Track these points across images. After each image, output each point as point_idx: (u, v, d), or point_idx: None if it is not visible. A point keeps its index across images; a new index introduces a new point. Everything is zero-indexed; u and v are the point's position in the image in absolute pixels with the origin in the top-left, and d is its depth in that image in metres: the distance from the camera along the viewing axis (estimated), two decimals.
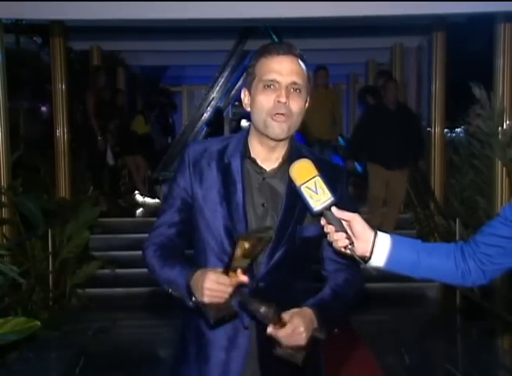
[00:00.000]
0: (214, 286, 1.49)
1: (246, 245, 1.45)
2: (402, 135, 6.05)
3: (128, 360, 4.39)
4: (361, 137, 6.32)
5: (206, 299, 1.50)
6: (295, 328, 1.51)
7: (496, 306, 4.78)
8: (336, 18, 5.12)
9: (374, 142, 6.12)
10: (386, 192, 6.24)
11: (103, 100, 7.31)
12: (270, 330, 1.50)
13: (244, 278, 1.50)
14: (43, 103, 8.05)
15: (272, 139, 1.66)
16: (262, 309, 1.48)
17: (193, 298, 1.55)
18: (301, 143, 1.81)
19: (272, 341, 1.53)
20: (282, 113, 1.61)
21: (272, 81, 1.62)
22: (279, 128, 1.62)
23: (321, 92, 7.06)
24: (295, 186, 1.51)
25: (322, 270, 1.77)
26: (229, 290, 1.50)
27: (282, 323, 1.50)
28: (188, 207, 1.72)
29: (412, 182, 6.76)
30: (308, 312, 1.57)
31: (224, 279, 1.49)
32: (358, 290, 1.75)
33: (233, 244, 1.48)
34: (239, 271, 1.49)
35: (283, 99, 1.60)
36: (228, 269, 1.49)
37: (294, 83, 1.62)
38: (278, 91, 1.61)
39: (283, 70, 1.62)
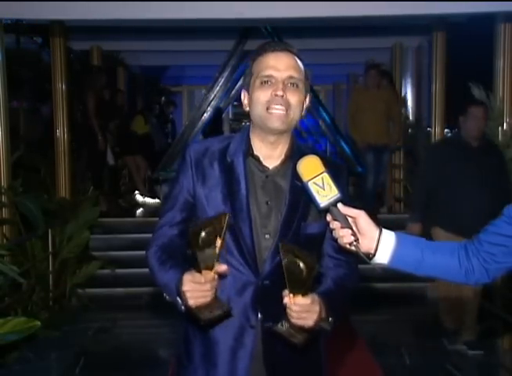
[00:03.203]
0: (191, 287, 1.48)
1: (202, 234, 1.44)
2: (486, 185, 4.02)
3: (128, 360, 4.38)
4: (427, 189, 4.23)
5: (191, 302, 1.49)
6: (313, 302, 1.49)
7: (496, 306, 4.77)
8: (335, 18, 5.12)
9: (444, 196, 4.14)
10: None
11: (103, 100, 7.31)
12: (287, 299, 1.46)
13: (222, 268, 1.48)
14: (43, 103, 8.04)
15: (271, 131, 1.65)
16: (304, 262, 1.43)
17: (184, 303, 1.53)
18: (305, 143, 1.80)
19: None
20: (279, 104, 1.60)
21: (268, 76, 1.62)
22: (278, 117, 1.61)
23: (372, 93, 6.69)
24: (302, 181, 1.51)
25: (320, 267, 1.76)
26: (207, 287, 1.47)
27: (304, 292, 1.46)
28: (190, 206, 1.72)
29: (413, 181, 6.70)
30: (319, 299, 1.54)
31: (198, 277, 1.47)
32: (354, 286, 1.76)
33: (189, 240, 1.45)
34: (216, 263, 1.46)
35: (280, 92, 1.60)
36: (199, 267, 1.47)
37: (291, 77, 1.62)
38: (275, 85, 1.62)
39: (279, 65, 1.62)
